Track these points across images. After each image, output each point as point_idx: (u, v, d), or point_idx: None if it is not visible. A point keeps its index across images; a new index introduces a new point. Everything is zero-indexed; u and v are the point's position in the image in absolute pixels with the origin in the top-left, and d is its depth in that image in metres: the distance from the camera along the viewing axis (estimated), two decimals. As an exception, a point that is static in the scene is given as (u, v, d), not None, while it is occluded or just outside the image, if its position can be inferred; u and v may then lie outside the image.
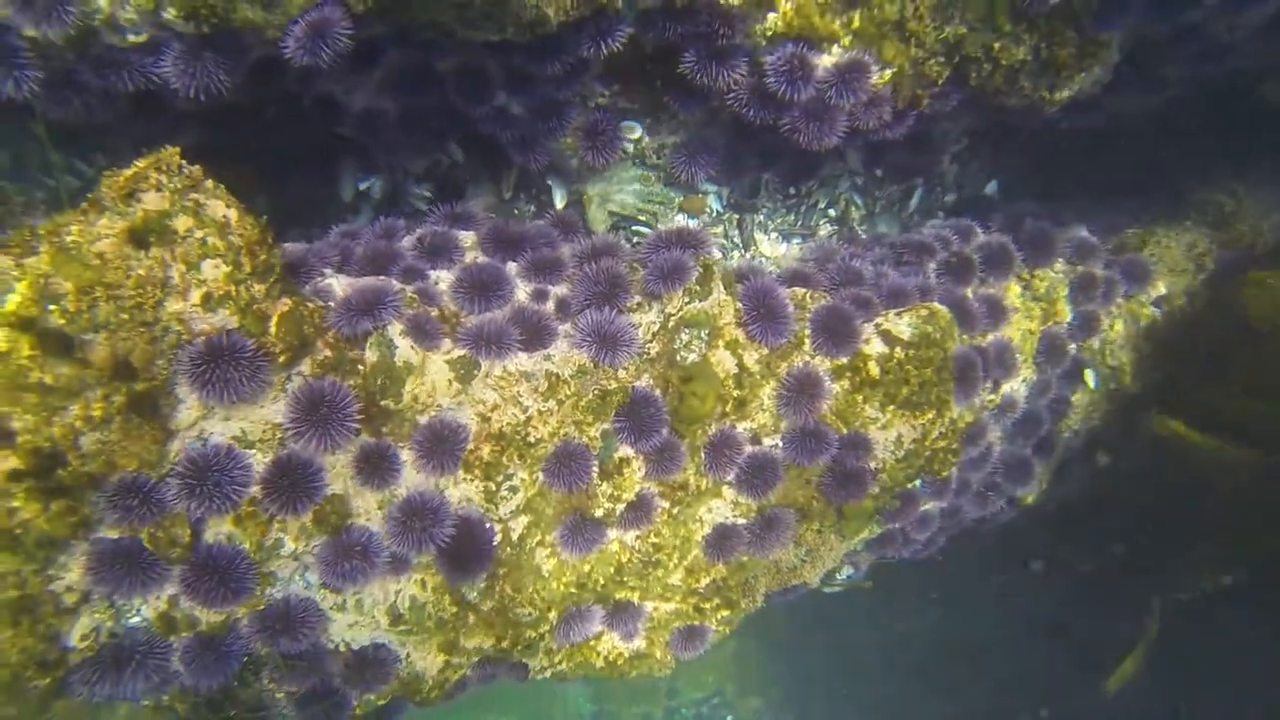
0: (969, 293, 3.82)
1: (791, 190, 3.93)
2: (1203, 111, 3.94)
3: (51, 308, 2.06)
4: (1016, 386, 4.00)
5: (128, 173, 2.20)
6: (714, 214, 3.80)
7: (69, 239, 2.11)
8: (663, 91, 3.15)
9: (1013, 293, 3.92)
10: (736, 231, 3.86)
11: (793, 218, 3.98)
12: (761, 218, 3.93)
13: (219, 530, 2.52)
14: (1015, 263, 3.85)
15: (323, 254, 2.94)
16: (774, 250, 3.95)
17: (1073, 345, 4.05)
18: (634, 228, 3.67)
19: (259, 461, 2.52)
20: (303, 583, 2.73)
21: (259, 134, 3.41)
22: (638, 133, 3.43)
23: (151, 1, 2.10)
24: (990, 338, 3.85)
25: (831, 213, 4.09)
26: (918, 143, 3.83)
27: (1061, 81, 3.10)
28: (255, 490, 2.51)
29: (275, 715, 2.92)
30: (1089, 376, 4.06)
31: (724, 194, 3.80)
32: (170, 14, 2.14)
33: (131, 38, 2.21)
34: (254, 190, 3.81)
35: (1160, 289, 4.22)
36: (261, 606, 2.67)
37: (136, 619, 2.52)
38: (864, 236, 4.17)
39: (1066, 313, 3.99)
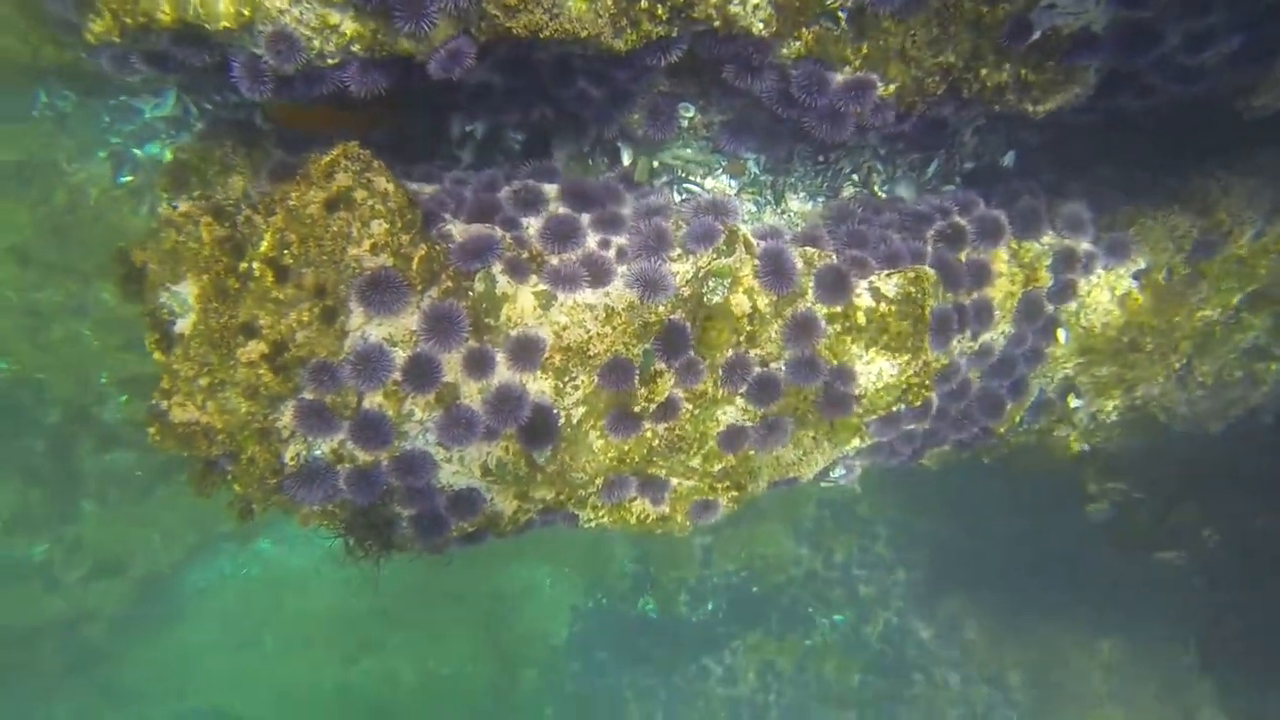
0: (961, 257, 4.59)
1: (820, 158, 4.70)
2: (1192, 109, 4.47)
3: (285, 250, 3.15)
4: (995, 337, 4.81)
5: (326, 159, 3.22)
6: (751, 176, 4.63)
7: (292, 203, 3.17)
8: (710, 87, 3.95)
9: (1000, 259, 4.67)
10: (770, 191, 4.68)
11: (820, 180, 4.77)
12: (793, 180, 4.73)
13: (373, 400, 3.67)
14: (1006, 234, 4.58)
15: (443, 202, 3.95)
16: (801, 207, 4.77)
17: (1050, 306, 4.80)
18: (685, 185, 4.55)
19: (400, 356, 3.64)
20: (424, 441, 3.89)
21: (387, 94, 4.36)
22: (691, 112, 4.25)
23: (345, 41, 3.05)
24: (974, 296, 4.64)
25: (855, 177, 4.85)
26: (932, 127, 4.52)
27: (1043, 98, 3.76)
28: (397, 375, 3.63)
29: (399, 527, 4.18)
30: (1060, 334, 4.83)
31: (761, 160, 4.61)
32: (356, 48, 3.09)
33: (330, 61, 3.17)
34: (385, 126, 4.84)
35: (1140, 264, 4.88)
36: (397, 454, 3.86)
37: (319, 452, 3.74)
38: (883, 198, 4.93)
39: (1047, 279, 4.72)
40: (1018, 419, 5.21)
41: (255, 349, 3.15)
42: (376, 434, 3.68)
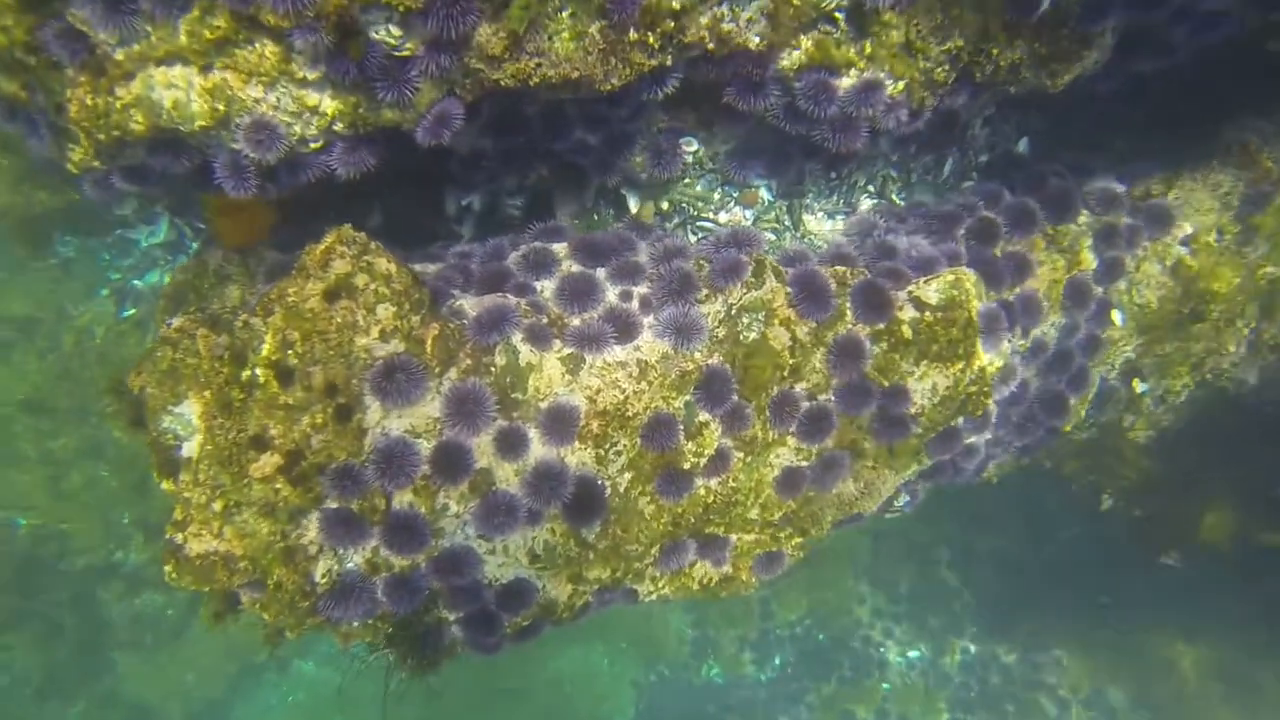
0: (996, 252, 4.33)
1: (833, 174, 4.48)
2: (1218, 63, 4.25)
3: (289, 351, 2.90)
4: (1046, 330, 4.51)
5: (320, 247, 3.00)
6: (765, 203, 4.41)
7: (290, 299, 2.93)
8: (712, 116, 3.75)
9: (1038, 248, 4.40)
10: (787, 216, 4.45)
11: (835, 198, 4.54)
12: (808, 201, 4.51)
13: (403, 499, 3.37)
14: (1038, 221, 4.32)
15: (449, 279, 3.72)
16: (820, 227, 4.54)
17: (1099, 289, 4.51)
18: (699, 224, 4.33)
19: (425, 447, 3.35)
20: (463, 535, 3.58)
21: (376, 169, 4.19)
22: (695, 145, 4.05)
23: (326, 121, 2.86)
24: (1017, 290, 4.36)
25: (871, 189, 4.63)
26: (944, 123, 4.31)
27: (1061, 70, 3.54)
28: (425, 468, 3.34)
29: (448, 633, 3.83)
30: (1115, 315, 4.53)
31: (773, 185, 4.39)
32: (339, 127, 2.90)
33: (313, 145, 2.98)
34: (374, 211, 4.65)
35: (1186, 229, 4.60)
36: (436, 554, 3.54)
37: (352, 564, 3.43)
38: (903, 205, 4.70)
39: (1090, 261, 4.45)
40: (1082, 413, 4.87)
41: (269, 462, 2.88)
42: (411, 535, 3.38)
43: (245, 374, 2.90)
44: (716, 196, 4.31)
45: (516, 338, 3.42)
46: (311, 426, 3.02)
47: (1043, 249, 4.41)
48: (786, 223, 4.47)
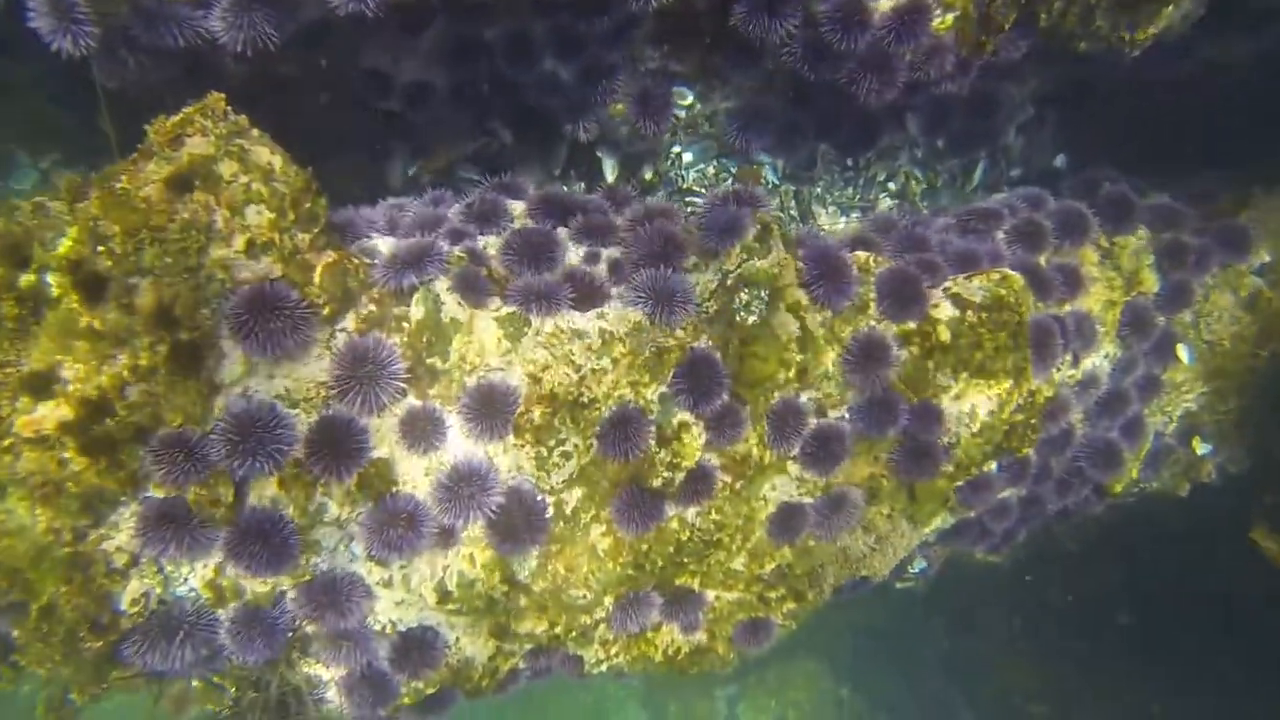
0: (1042, 260, 3.60)
1: (849, 162, 3.78)
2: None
3: (100, 249, 2.02)
4: (1099, 362, 3.74)
5: (174, 118, 2.17)
6: (769, 185, 3.67)
7: (119, 186, 2.08)
8: (714, 50, 3.05)
9: (1090, 261, 3.68)
10: (794, 204, 3.72)
11: (851, 191, 3.82)
12: (819, 190, 3.78)
13: (263, 493, 2.43)
14: (1092, 228, 3.62)
15: (370, 219, 2.89)
16: (832, 224, 3.80)
17: (1161, 318, 3.77)
18: (688, 200, 3.57)
19: (303, 421, 2.44)
20: (348, 554, 2.62)
21: (308, 119, 3.42)
22: (689, 98, 3.33)
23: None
24: (1067, 308, 3.61)
25: (891, 186, 3.93)
26: (981, 105, 3.66)
27: (1144, 18, 2.89)
28: (299, 451, 2.42)
29: (321, 697, 2.81)
30: (1182, 351, 3.77)
31: (779, 165, 3.67)
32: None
33: (180, -15, 2.21)
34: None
35: (1264, 256, 3.92)
36: (307, 578, 2.58)
37: (184, 588, 2.44)
38: (927, 211, 3.99)
39: (1153, 282, 3.72)
40: (1135, 473, 4.04)
41: (51, 416, 1.95)
42: (272, 547, 2.42)
43: (27, 280, 2.01)
44: (711, 171, 3.57)
45: (441, 285, 2.56)
46: (130, 370, 2.11)
47: (1095, 263, 3.69)
48: (793, 212, 3.73)
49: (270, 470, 2.38)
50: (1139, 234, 3.74)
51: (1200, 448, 4.10)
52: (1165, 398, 3.93)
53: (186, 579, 2.46)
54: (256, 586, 2.52)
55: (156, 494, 2.30)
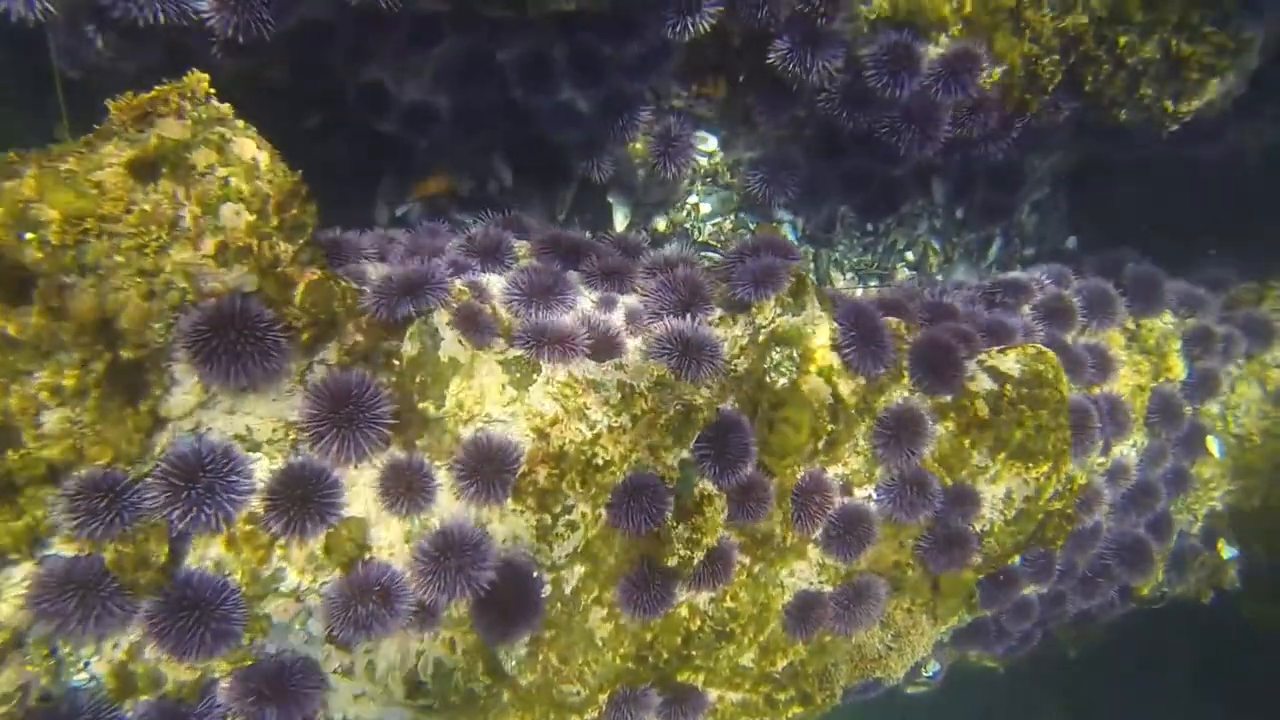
0: (1069, 339, 3.40)
1: (869, 227, 3.59)
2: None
3: (28, 236, 1.63)
4: (1127, 451, 3.51)
5: (145, 95, 1.83)
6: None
7: (63, 164, 1.71)
8: (746, 91, 2.85)
9: (1117, 343, 3.50)
10: (811, 265, 3.49)
11: (869, 257, 3.62)
12: (838, 255, 3.56)
13: (205, 553, 1.99)
14: (1120, 309, 3.45)
15: (359, 245, 2.54)
16: (850, 290, 3.57)
17: (1189, 407, 3.58)
18: (703, 255, 3.30)
19: (264, 467, 2.03)
20: (303, 633, 2.16)
21: (294, 140, 3.11)
22: (712, 144, 3.11)
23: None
24: (1099, 390, 3.40)
25: (909, 256, 3.74)
26: (1005, 176, 3.53)
27: (1189, 89, 2.79)
28: (256, 503, 2.00)
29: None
30: (1212, 444, 3.57)
31: (799, 224, 3.45)
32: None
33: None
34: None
35: (1290, 346, 3.79)
36: (248, 662, 2.11)
37: (82, 676, 1.95)
38: (944, 283, 3.79)
39: (1180, 369, 3.55)
40: (1160, 575, 3.78)
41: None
42: (207, 620, 1.96)
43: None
44: (728, 225, 3.32)
45: (440, 318, 2.21)
46: (50, 391, 1.70)
47: (1121, 345, 3.51)
48: (811, 274, 3.49)
49: (218, 525, 1.95)
50: (1164, 317, 3.59)
51: (1226, 551, 3.86)
52: (1192, 494, 3.71)
53: (88, 664, 1.97)
54: (181, 674, 2.04)
55: (64, 551, 1.85)
